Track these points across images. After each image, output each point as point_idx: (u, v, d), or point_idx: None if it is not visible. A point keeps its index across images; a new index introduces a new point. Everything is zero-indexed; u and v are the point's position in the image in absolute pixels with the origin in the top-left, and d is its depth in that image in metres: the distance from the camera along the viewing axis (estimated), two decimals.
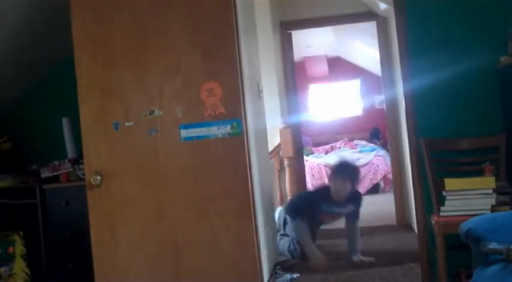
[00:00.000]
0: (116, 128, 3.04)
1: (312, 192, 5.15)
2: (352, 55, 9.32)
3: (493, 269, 2.13)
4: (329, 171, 4.58)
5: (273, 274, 3.68)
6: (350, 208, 4.31)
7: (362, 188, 7.82)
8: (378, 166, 7.86)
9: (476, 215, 2.52)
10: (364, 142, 9.12)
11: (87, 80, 3.05)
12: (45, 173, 3.73)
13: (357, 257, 4.11)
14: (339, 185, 4.22)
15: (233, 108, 2.98)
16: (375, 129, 9.31)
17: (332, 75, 9.84)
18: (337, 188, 4.24)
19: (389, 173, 7.19)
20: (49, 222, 3.66)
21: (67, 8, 3.03)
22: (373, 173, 7.84)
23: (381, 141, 9.04)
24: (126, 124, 3.04)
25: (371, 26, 5.72)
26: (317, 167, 8.03)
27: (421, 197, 3.30)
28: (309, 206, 4.32)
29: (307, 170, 6.99)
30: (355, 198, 4.35)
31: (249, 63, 3.38)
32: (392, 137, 5.55)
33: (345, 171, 4.30)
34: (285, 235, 4.52)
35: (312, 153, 8.94)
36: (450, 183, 2.93)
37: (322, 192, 4.40)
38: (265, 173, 3.82)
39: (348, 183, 4.21)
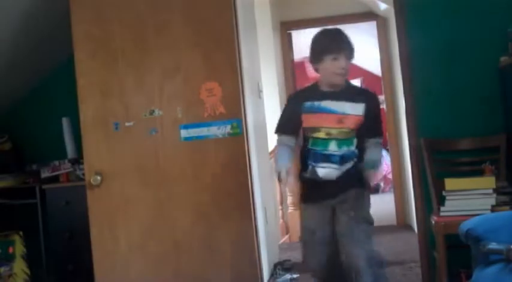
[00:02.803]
0: (116, 128, 3.04)
1: (298, 91, 3.17)
2: None
3: (493, 269, 2.13)
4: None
5: (273, 274, 3.68)
6: (356, 108, 2.54)
7: None
8: None
9: (476, 215, 2.51)
10: None
11: (87, 80, 3.05)
12: (45, 173, 3.73)
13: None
14: (328, 65, 2.53)
15: (233, 108, 2.98)
16: None
17: None
18: (327, 71, 2.55)
19: (389, 173, 7.19)
20: (49, 222, 3.66)
21: (67, 8, 3.03)
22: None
23: (381, 141, 9.03)
24: (126, 124, 3.04)
25: (371, 26, 5.72)
26: None
27: (421, 197, 3.30)
28: (292, 113, 2.65)
29: None
30: (366, 96, 2.64)
31: (249, 63, 3.39)
32: (392, 137, 5.55)
33: (334, 40, 2.58)
34: None
35: None
36: (450, 183, 2.93)
37: (307, 87, 2.75)
38: (265, 172, 3.83)
39: (342, 60, 2.54)
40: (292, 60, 5.93)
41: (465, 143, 3.20)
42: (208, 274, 2.99)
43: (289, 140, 2.65)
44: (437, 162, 3.18)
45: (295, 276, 3.68)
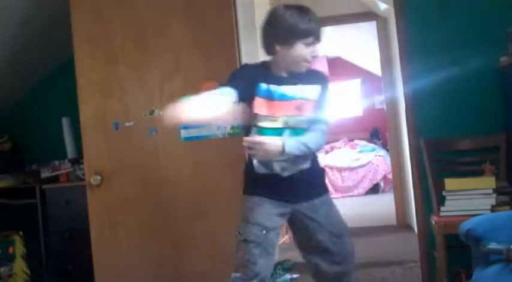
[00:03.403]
0: (116, 128, 3.05)
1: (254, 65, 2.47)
2: (352, 55, 9.32)
3: (493, 269, 2.13)
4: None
5: (273, 274, 3.68)
6: (314, 92, 2.27)
7: (362, 187, 7.85)
8: (377, 166, 7.86)
9: (476, 215, 2.51)
10: (364, 142, 9.11)
11: (87, 80, 3.05)
12: (45, 173, 3.73)
13: None
14: (299, 51, 2.19)
15: None
16: (375, 129, 9.31)
17: (332, 75, 9.82)
18: (294, 57, 2.20)
19: (389, 173, 7.19)
20: (49, 222, 3.66)
21: (67, 8, 3.03)
22: (373, 173, 7.84)
23: (381, 141, 9.03)
24: (126, 124, 3.04)
25: (371, 26, 5.72)
26: None
27: (421, 197, 3.30)
28: (245, 82, 2.20)
29: None
30: (319, 77, 2.34)
31: None
32: (392, 137, 5.55)
33: (311, 21, 2.19)
34: None
35: None
36: (450, 183, 2.93)
37: (256, 66, 2.35)
38: None
39: (317, 45, 2.24)
40: None
41: (465, 143, 3.19)
42: (208, 274, 2.99)
43: (231, 94, 2.12)
44: (437, 162, 3.18)
45: (295, 276, 3.68)
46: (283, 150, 2.13)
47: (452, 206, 2.90)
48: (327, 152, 9.12)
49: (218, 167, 2.99)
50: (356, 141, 9.26)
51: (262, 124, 2.21)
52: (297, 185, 2.27)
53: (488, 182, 2.89)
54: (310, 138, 2.24)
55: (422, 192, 3.28)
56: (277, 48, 2.19)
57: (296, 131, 2.24)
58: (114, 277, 3.05)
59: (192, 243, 3.02)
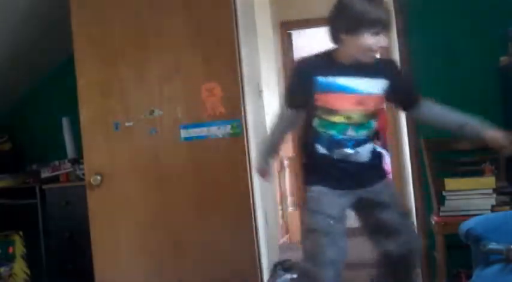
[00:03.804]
0: (116, 128, 3.04)
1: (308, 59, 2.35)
2: None
3: (493, 269, 2.13)
4: None
5: (273, 274, 3.68)
6: (379, 85, 2.19)
7: None
8: None
9: (476, 215, 2.51)
10: None
11: (87, 80, 3.05)
12: (45, 173, 3.73)
13: None
14: (365, 40, 2.08)
15: (233, 108, 2.98)
16: (375, 130, 9.30)
17: None
18: (360, 47, 2.10)
19: (389, 173, 7.18)
20: (49, 222, 3.66)
21: (67, 8, 3.03)
22: None
23: (381, 141, 9.03)
24: (126, 124, 3.04)
25: None
26: None
27: (421, 197, 3.30)
28: (301, 87, 2.22)
29: None
30: (385, 67, 2.25)
31: (249, 64, 3.38)
32: (392, 137, 5.55)
33: (380, 10, 2.09)
34: None
35: None
36: (450, 183, 2.93)
37: (318, 55, 2.24)
38: None
39: (384, 36, 2.12)
40: (292, 60, 5.92)
41: (465, 143, 3.19)
42: (208, 274, 2.99)
43: (295, 115, 2.27)
44: (437, 162, 3.18)
45: (295, 276, 3.67)
46: None
47: (452, 206, 2.90)
48: None
49: (218, 167, 2.99)
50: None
51: (324, 117, 2.19)
52: (359, 170, 2.24)
53: (488, 182, 2.89)
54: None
55: (422, 192, 3.28)
56: (343, 37, 2.10)
57: (360, 126, 2.21)
58: (114, 277, 3.05)
59: (192, 243, 3.01)
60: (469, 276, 2.37)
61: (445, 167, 3.17)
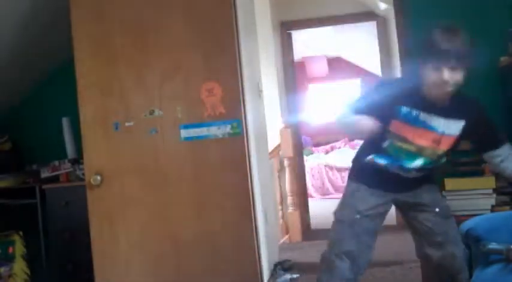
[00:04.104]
0: (116, 128, 3.04)
1: (395, 81, 2.65)
2: (352, 55, 9.32)
3: (493, 269, 2.14)
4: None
5: (273, 274, 3.68)
6: (456, 126, 2.24)
7: None
8: None
9: (476, 215, 2.52)
10: None
11: (87, 80, 3.05)
12: (45, 173, 3.73)
13: None
14: (442, 75, 2.11)
15: (233, 108, 2.98)
16: None
17: (332, 75, 9.84)
18: (437, 81, 2.13)
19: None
20: (49, 222, 3.66)
21: (67, 8, 3.03)
22: None
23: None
24: (126, 124, 3.04)
25: (371, 26, 5.72)
26: (317, 167, 8.03)
27: None
28: (379, 106, 2.21)
29: (307, 170, 6.98)
30: (467, 109, 2.26)
31: (249, 63, 3.38)
32: None
33: (459, 45, 2.16)
34: None
35: (312, 153, 8.94)
36: (450, 183, 2.93)
37: (409, 87, 2.24)
38: (265, 173, 3.83)
39: (460, 72, 2.16)
40: (292, 60, 5.93)
41: (465, 143, 3.19)
42: (208, 274, 2.99)
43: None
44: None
45: (295, 276, 3.68)
46: None
47: (452, 206, 2.90)
48: (327, 152, 9.13)
49: (218, 167, 2.99)
50: (356, 141, 9.27)
51: (396, 142, 2.23)
52: (406, 181, 2.31)
53: (488, 182, 2.89)
54: None
55: None
56: (424, 70, 2.15)
57: (430, 160, 2.27)
58: (114, 277, 3.05)
59: (192, 243, 3.01)
60: (469, 276, 2.37)
61: (444, 167, 3.17)
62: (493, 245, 2.13)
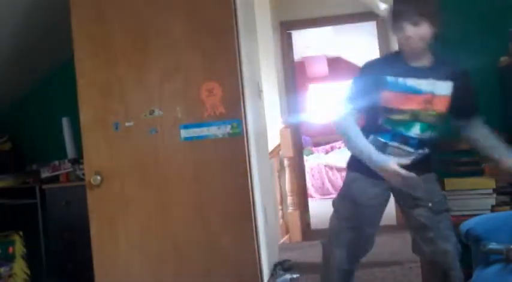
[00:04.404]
0: (116, 128, 3.04)
1: (376, 59, 2.55)
2: (352, 55, 9.32)
3: (493, 269, 2.14)
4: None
5: (273, 274, 3.68)
6: (445, 87, 2.26)
7: None
8: None
9: (476, 215, 2.52)
10: None
11: (87, 80, 3.05)
12: (45, 173, 3.73)
13: None
14: (410, 31, 2.19)
15: (233, 108, 2.98)
16: None
17: (332, 75, 9.83)
18: (406, 39, 2.22)
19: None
20: (49, 222, 3.66)
21: (67, 8, 3.03)
22: None
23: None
24: (126, 124, 3.04)
25: (371, 26, 5.72)
26: (317, 167, 8.03)
27: None
28: (368, 86, 2.29)
29: (307, 170, 6.98)
30: (454, 72, 2.32)
31: (249, 63, 3.38)
32: None
33: (416, 2, 2.23)
34: None
35: (312, 153, 8.94)
36: (450, 183, 2.94)
37: (388, 57, 2.52)
38: (265, 173, 3.83)
39: (425, 26, 2.20)
40: (292, 60, 5.93)
41: (465, 143, 3.19)
42: (208, 274, 2.99)
43: (355, 116, 2.30)
44: (437, 162, 3.18)
45: (295, 276, 3.67)
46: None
47: (452, 206, 2.91)
48: (327, 152, 9.13)
49: (218, 167, 2.99)
50: None
51: (390, 117, 2.25)
52: (405, 168, 2.24)
53: (488, 182, 2.90)
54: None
55: None
56: (396, 35, 2.25)
57: (426, 125, 2.26)
58: (114, 277, 3.05)
59: (192, 243, 3.01)
60: (469, 276, 2.37)
61: (445, 167, 3.17)
62: (493, 245, 2.13)
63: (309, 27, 6.07)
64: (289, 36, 5.84)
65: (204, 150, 3.00)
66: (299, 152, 5.74)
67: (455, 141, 3.20)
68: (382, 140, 2.27)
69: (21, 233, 3.49)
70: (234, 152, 2.98)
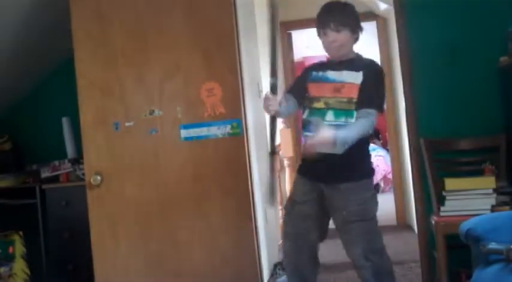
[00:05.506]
0: (116, 128, 3.05)
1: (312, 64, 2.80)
2: None
3: (493, 269, 2.13)
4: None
5: (273, 274, 3.68)
6: (355, 77, 2.46)
7: None
8: (377, 166, 7.84)
9: (476, 215, 2.51)
10: None
11: (87, 80, 3.05)
12: (45, 173, 3.73)
13: None
14: (322, 39, 2.54)
15: (233, 108, 2.98)
16: (375, 129, 9.31)
17: None
18: (324, 45, 2.55)
19: (389, 173, 7.18)
20: (49, 222, 3.66)
21: (67, 8, 3.03)
22: None
23: (381, 141, 9.03)
24: (126, 124, 3.04)
25: (371, 26, 5.72)
26: None
27: (421, 197, 3.30)
28: (300, 81, 2.69)
29: None
30: (365, 64, 2.53)
31: (249, 63, 3.38)
32: (392, 137, 5.55)
33: (323, 13, 2.53)
34: None
35: None
36: (450, 183, 2.93)
37: (324, 61, 2.71)
38: (265, 173, 3.83)
39: (330, 33, 2.48)
40: (292, 60, 5.93)
41: (465, 143, 3.19)
42: (208, 274, 2.99)
43: (293, 101, 2.63)
44: (437, 162, 3.18)
45: None
46: (335, 143, 2.30)
47: (452, 206, 2.91)
48: None
49: (218, 167, 2.99)
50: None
51: (311, 106, 2.54)
52: (326, 167, 2.45)
53: (488, 182, 2.89)
54: (358, 127, 2.40)
55: (422, 192, 3.28)
56: (320, 40, 2.58)
57: (339, 112, 2.46)
58: (114, 277, 3.05)
59: (192, 243, 3.02)
60: (469, 276, 2.37)
61: (445, 167, 3.17)
62: (493, 245, 2.13)
63: (309, 27, 6.06)
64: (289, 36, 5.85)
65: (204, 150, 3.00)
66: (299, 152, 5.74)
67: (455, 141, 3.21)
68: (310, 133, 2.45)
69: (21, 233, 3.49)
70: (234, 152, 2.98)
